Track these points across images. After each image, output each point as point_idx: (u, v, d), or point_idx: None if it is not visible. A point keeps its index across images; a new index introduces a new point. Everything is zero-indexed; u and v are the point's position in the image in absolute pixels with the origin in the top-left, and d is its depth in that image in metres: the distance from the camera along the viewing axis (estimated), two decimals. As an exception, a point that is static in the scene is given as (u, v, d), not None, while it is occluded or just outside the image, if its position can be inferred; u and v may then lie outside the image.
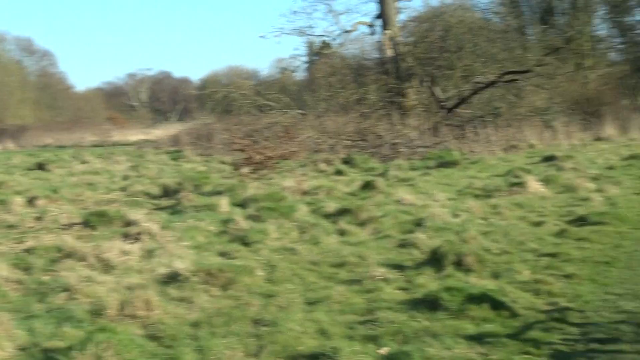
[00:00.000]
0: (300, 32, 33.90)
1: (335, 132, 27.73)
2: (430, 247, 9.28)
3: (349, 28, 33.99)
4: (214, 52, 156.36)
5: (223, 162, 22.25)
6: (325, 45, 35.87)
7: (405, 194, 13.98)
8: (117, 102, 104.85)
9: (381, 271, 8.32)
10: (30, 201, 15.20)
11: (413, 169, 19.93)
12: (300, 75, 49.13)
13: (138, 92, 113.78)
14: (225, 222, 11.75)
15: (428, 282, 7.97)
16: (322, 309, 7.16)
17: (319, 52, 36.14)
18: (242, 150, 16.59)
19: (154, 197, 16.06)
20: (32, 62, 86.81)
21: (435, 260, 8.65)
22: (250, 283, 8.12)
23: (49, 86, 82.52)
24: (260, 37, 33.18)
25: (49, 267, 9.16)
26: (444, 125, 27.25)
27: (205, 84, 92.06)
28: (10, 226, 12.59)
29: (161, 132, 57.06)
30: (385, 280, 8.12)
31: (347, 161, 22.30)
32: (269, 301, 7.48)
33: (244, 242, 10.43)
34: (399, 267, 8.70)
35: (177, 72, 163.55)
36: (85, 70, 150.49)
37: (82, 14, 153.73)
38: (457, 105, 29.11)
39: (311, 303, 7.40)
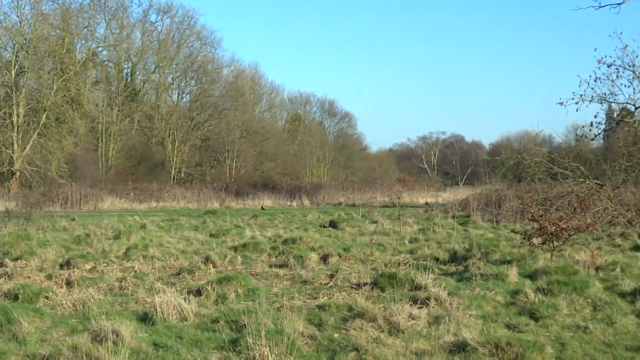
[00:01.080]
0: (602, 100, 32.66)
1: (634, 204, 26.27)
2: None
3: (656, 95, 32.20)
4: (506, 116, 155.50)
5: (513, 231, 21.80)
6: (628, 112, 34.25)
7: None
8: (407, 164, 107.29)
9: (684, 361, 7.68)
10: (324, 258, 15.90)
11: None
12: (597, 143, 47.40)
13: (429, 155, 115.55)
14: (514, 293, 11.50)
15: None
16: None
17: (620, 120, 34.56)
18: (535, 220, 16.15)
19: (442, 261, 16.09)
20: (332, 123, 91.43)
21: None
22: (539, 360, 7.84)
23: (346, 147, 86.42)
24: (559, 104, 32.22)
25: (340, 325, 9.47)
26: None
27: (497, 148, 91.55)
28: (305, 281, 13.19)
29: (450, 195, 57.43)
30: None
31: (646, 236, 21.02)
32: (558, 382, 7.17)
33: (533, 316, 10.13)
34: None
35: (469, 136, 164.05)
36: (380, 132, 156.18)
37: (380, 75, 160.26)
38: None
39: (605, 388, 6.99)
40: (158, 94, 69.69)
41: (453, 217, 32.32)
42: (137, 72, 69.12)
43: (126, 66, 68.52)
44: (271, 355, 7.17)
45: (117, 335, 8.14)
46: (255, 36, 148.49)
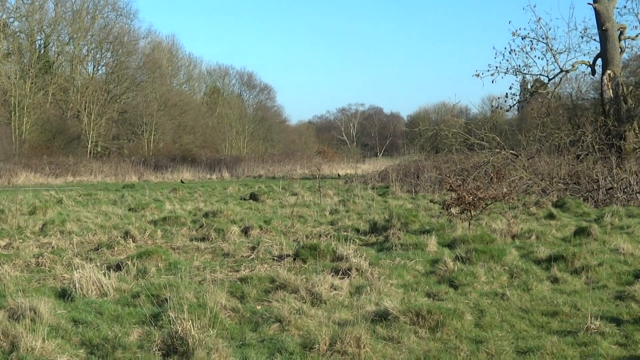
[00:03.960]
0: (517, 71, 33.37)
1: (548, 174, 26.95)
2: (651, 301, 8.77)
3: (567, 67, 33.08)
4: (423, 88, 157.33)
5: (431, 201, 22.16)
6: (541, 84, 35.06)
7: (622, 243, 13.25)
8: (327, 136, 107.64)
9: (597, 324, 7.93)
10: (245, 231, 15.87)
11: (631, 216, 18.91)
12: (512, 114, 48.38)
13: (348, 127, 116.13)
14: (434, 262, 11.70)
15: (649, 339, 7.53)
16: (534, 359, 6.93)
17: (534, 92, 35.35)
18: (452, 190, 16.41)
19: (362, 232, 16.24)
20: (251, 95, 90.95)
21: (657, 316, 8.15)
22: (459, 327, 8.01)
23: (265, 119, 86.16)
24: (475, 75, 32.80)
25: (262, 297, 9.48)
26: (666, 171, 25.64)
27: (415, 120, 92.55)
28: (226, 254, 13.17)
29: (369, 167, 57.90)
30: (601, 333, 7.75)
31: (559, 205, 21.58)
32: (478, 347, 7.35)
33: (453, 284, 10.32)
34: (616, 320, 8.27)
35: (388, 108, 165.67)
36: (300, 105, 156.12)
37: (299, 48, 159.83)
38: (682, 150, 27.33)
39: (522, 352, 7.20)
40: (73, 66, 68.01)
41: (372, 188, 32.61)
42: (51, 44, 67.20)
43: (39, 37, 66.40)
44: (194, 329, 7.12)
45: (35, 313, 7.96)
46: (172, 7, 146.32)
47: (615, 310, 8.82)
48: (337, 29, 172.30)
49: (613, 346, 7.42)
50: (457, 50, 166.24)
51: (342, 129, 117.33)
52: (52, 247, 13.98)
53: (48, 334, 7.27)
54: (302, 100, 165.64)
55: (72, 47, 67.53)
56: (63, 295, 9.64)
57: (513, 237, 14.66)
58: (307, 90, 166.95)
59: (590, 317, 8.06)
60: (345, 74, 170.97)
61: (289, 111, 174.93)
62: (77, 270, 10.03)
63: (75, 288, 9.61)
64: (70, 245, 14.11)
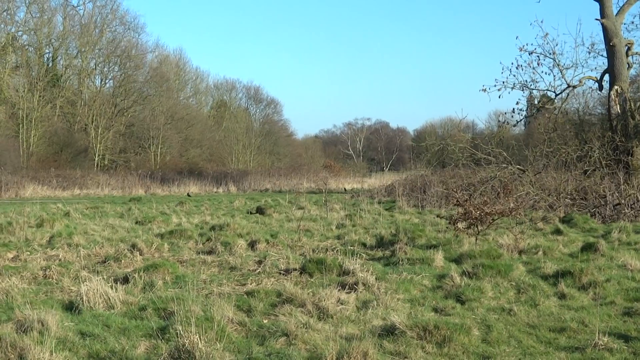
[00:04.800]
0: (524, 87, 33.43)
1: (555, 189, 26.92)
2: (659, 318, 8.75)
3: (574, 83, 33.12)
4: (430, 102, 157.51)
5: (438, 216, 22.16)
6: (548, 99, 35.09)
7: (630, 259, 13.23)
8: (333, 150, 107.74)
9: (605, 340, 7.90)
10: (251, 244, 15.89)
11: (638, 232, 18.87)
12: (519, 129, 48.37)
13: (355, 141, 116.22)
14: (441, 277, 11.68)
15: (657, 356, 7.51)
16: (541, 375, 6.92)
17: (540, 107, 35.37)
18: (459, 205, 16.41)
19: (369, 247, 16.23)
20: (258, 109, 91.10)
21: (665, 333, 8.12)
22: (466, 342, 7.99)
23: (272, 133, 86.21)
24: (482, 90, 32.87)
25: (269, 311, 9.48)
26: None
27: (421, 134, 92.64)
28: (233, 268, 13.17)
29: (375, 181, 57.92)
30: (609, 350, 7.74)
31: (566, 220, 21.56)
32: (485, 362, 7.33)
33: (459, 299, 10.31)
34: (624, 337, 8.26)
35: (394, 122, 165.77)
36: (306, 119, 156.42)
37: (307, 62, 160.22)
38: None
39: (529, 368, 7.17)
40: (80, 80, 68.24)
41: (379, 202, 32.63)
42: (59, 57, 67.47)
43: (47, 51, 66.69)
44: (201, 342, 7.13)
45: (43, 325, 7.98)
46: (180, 21, 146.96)
47: (623, 327, 8.81)
48: (343, 42, 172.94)
49: (621, 363, 7.40)
50: (464, 65, 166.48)
51: (349, 143, 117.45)
52: (60, 260, 14.00)
53: (55, 347, 7.28)
54: (308, 115, 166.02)
55: (80, 60, 67.79)
56: (70, 307, 9.65)
57: (520, 252, 14.63)
58: (313, 105, 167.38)
59: (598, 334, 8.04)
60: (351, 88, 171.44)
61: (295, 125, 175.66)
62: (85, 282, 10.05)
63: (83, 301, 9.62)
64: (78, 258, 14.14)
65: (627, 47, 31.54)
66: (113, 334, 8.26)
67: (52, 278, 12.08)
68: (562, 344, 8.14)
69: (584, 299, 10.44)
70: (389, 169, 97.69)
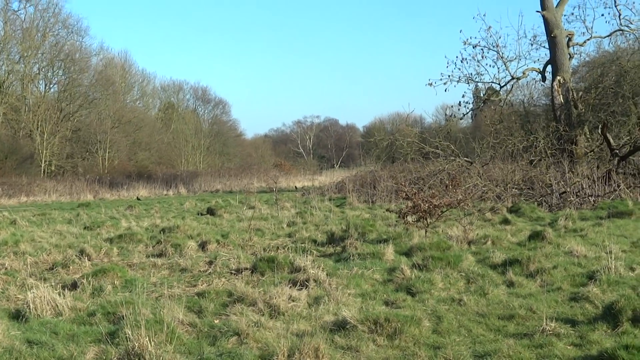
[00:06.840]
0: (469, 80, 33.82)
1: (502, 180, 27.26)
2: (604, 301, 8.91)
3: (518, 75, 33.60)
4: (378, 98, 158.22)
5: (388, 210, 22.26)
6: (493, 92, 35.56)
7: (576, 245, 13.48)
8: (283, 148, 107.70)
9: (552, 325, 8.02)
10: (202, 245, 15.79)
11: (583, 219, 19.22)
12: (466, 122, 48.88)
13: (304, 139, 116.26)
14: (391, 270, 11.75)
15: (603, 339, 7.65)
16: (491, 363, 7.00)
17: (486, 99, 35.81)
18: (408, 198, 16.53)
19: (320, 243, 16.25)
20: (206, 110, 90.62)
21: (610, 315, 8.26)
22: (417, 334, 8.04)
23: (221, 133, 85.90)
24: (428, 84, 33.24)
25: (220, 311, 9.43)
26: (616, 174, 26.09)
27: (370, 130, 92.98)
28: (184, 270, 13.08)
29: (326, 178, 58.01)
30: (557, 335, 7.85)
31: (514, 210, 21.87)
32: (436, 353, 7.39)
33: (410, 291, 10.38)
34: (571, 321, 8.38)
35: (343, 119, 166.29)
36: (255, 118, 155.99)
37: (253, 61, 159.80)
38: (631, 153, 27.69)
39: (479, 356, 7.25)
40: (24, 85, 67.03)
41: (330, 199, 32.66)
42: (1, 63, 66.22)
43: (-12, 57, 65.53)
44: (151, 345, 7.06)
45: (-12, 335, 7.83)
46: (124, 23, 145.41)
47: (570, 312, 8.95)
48: (290, 41, 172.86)
49: (568, 347, 7.51)
50: (411, 60, 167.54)
51: (299, 142, 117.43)
52: (5, 269, 13.71)
53: (1, 356, 7.15)
54: (257, 114, 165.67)
55: (22, 65, 66.57)
56: (17, 316, 9.47)
57: (469, 243, 14.78)
58: (262, 104, 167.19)
59: (546, 319, 8.16)
60: (300, 86, 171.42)
61: (244, 125, 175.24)
62: (31, 290, 9.87)
63: (30, 308, 9.44)
64: (24, 266, 13.87)
65: (568, 38, 32.09)
66: (61, 340, 8.13)
67: (-2, 287, 11.86)
68: (511, 331, 8.24)
69: (532, 287, 10.59)
70: (339, 166, 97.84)
